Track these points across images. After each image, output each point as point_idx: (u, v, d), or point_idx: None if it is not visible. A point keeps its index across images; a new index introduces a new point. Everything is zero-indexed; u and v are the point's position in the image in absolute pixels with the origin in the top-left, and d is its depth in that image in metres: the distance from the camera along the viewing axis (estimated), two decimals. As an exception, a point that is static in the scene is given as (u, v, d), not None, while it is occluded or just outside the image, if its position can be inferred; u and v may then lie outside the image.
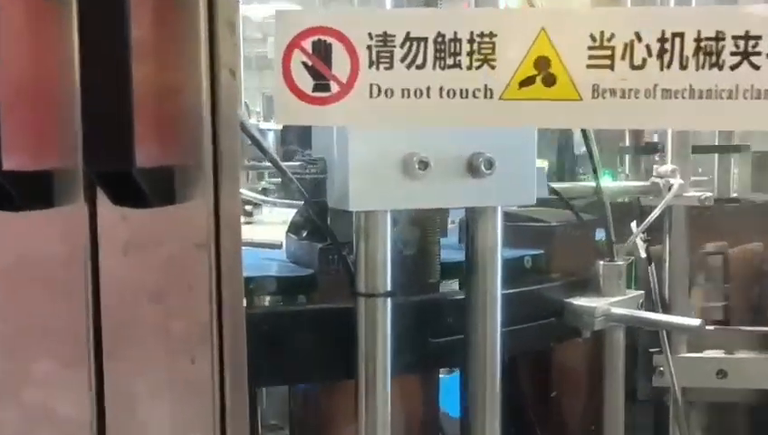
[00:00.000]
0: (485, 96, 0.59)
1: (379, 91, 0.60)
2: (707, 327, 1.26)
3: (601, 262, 1.17)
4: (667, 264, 1.38)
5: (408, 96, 0.60)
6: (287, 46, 0.61)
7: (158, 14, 0.59)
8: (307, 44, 0.61)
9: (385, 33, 0.60)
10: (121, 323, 0.63)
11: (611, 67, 0.58)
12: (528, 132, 0.92)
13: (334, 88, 0.61)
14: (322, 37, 0.60)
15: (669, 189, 1.21)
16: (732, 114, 0.58)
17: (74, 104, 0.59)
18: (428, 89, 0.60)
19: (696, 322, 1.01)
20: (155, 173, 0.57)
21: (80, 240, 0.62)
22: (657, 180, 1.21)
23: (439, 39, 0.59)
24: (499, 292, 0.95)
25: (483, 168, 0.88)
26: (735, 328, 1.34)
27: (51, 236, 0.62)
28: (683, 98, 0.57)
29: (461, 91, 0.60)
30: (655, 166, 1.24)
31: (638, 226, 1.27)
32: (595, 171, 1.17)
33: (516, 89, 0.59)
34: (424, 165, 0.85)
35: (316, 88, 0.61)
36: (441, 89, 0.60)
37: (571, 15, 0.58)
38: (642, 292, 1.20)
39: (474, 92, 0.59)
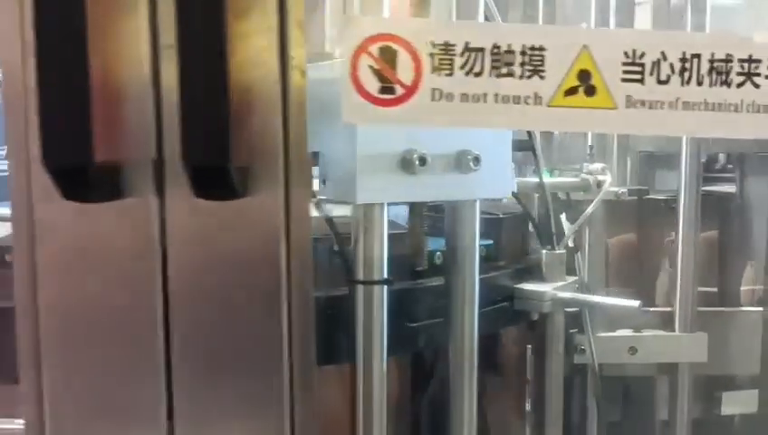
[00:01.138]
0: (535, 103, 0.67)
1: (441, 95, 0.66)
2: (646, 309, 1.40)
3: (544, 250, 1.28)
4: (586, 252, 1.52)
5: (467, 100, 0.66)
6: (356, 50, 0.66)
7: (234, 11, 0.61)
8: (374, 50, 0.66)
9: (446, 42, 0.66)
10: (190, 313, 0.65)
11: (642, 81, 0.67)
12: (506, 133, 1.01)
13: (399, 91, 0.66)
14: (389, 43, 0.66)
15: (598, 185, 1.34)
16: (737, 124, 0.68)
17: (148, 98, 0.61)
18: (485, 95, 0.67)
19: (635, 303, 1.13)
20: (243, 168, 0.60)
21: (150, 231, 0.63)
22: (587, 177, 1.34)
23: (495, 50, 0.66)
24: (477, 278, 1.03)
25: (471, 164, 0.96)
26: (645, 308, 1.49)
27: (122, 226, 0.63)
28: (699, 110, 0.68)
29: (513, 97, 0.67)
30: (585, 164, 1.37)
31: (566, 218, 1.40)
32: (538, 169, 1.27)
33: (562, 97, 0.67)
34: (422, 161, 0.92)
35: (382, 90, 0.66)
36: (496, 95, 0.67)
37: (609, 35, 0.67)
38: (577, 277, 1.32)
39: (525, 99, 0.67)
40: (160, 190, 0.63)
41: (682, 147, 1.50)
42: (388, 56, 0.66)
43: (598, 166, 1.35)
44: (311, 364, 0.67)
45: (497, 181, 1.01)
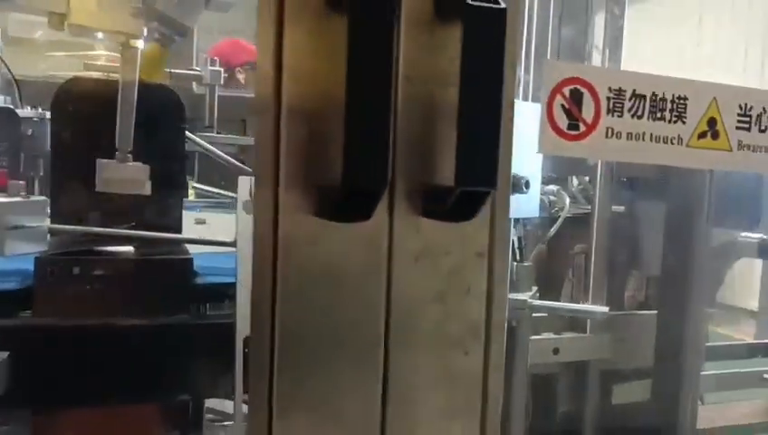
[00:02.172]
0: (678, 143, 0.81)
1: (612, 133, 0.78)
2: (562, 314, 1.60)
3: (515, 262, 1.43)
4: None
5: (630, 138, 0.79)
6: (552, 91, 0.75)
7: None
8: (566, 91, 0.76)
9: (620, 88, 0.78)
10: (408, 321, 0.69)
11: (749, 129, 0.84)
12: (539, 163, 1.14)
13: (582, 127, 0.77)
14: (578, 87, 0.76)
15: (550, 204, 1.52)
16: (807, 167, 0.87)
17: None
18: (644, 134, 0.79)
19: (603, 309, 1.32)
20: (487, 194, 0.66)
21: (381, 248, 0.67)
22: (543, 197, 1.51)
23: (653, 97, 0.79)
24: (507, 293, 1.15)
25: (524, 187, 1.07)
26: (571, 307, 1.69)
27: (358, 242, 0.66)
28: (784, 154, 0.86)
29: (663, 137, 0.80)
30: (542, 185, 1.54)
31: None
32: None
33: (696, 139, 0.82)
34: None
35: (569, 127, 0.76)
36: (651, 135, 0.80)
37: (731, 90, 0.83)
38: (536, 287, 1.49)
39: (671, 139, 0.80)
40: (391, 211, 0.68)
41: (597, 171, 1.73)
42: (577, 98, 0.76)
43: (553, 188, 1.52)
44: (500, 364, 0.74)
45: (531, 202, 1.14)
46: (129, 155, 0.95)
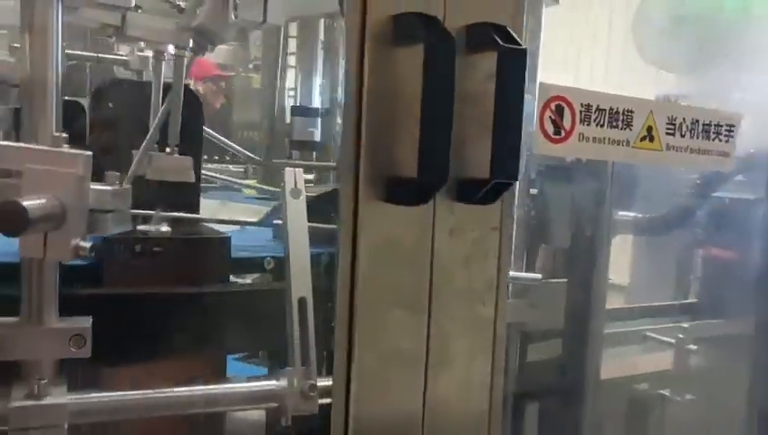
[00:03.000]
0: (626, 145, 1.08)
1: (583, 137, 1.04)
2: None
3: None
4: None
5: (595, 142, 1.05)
6: (543, 106, 1.00)
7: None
8: (553, 106, 1.00)
9: (589, 104, 1.03)
10: (445, 279, 0.92)
11: (674, 135, 1.12)
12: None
13: (563, 133, 1.02)
14: (561, 102, 1.01)
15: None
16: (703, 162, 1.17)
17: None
18: (604, 138, 1.06)
19: (537, 276, 1.59)
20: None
21: (427, 225, 0.89)
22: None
23: (611, 110, 1.05)
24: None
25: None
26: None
27: (412, 221, 0.88)
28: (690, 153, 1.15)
29: (617, 140, 1.07)
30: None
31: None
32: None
33: (639, 141, 1.09)
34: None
35: (554, 132, 1.01)
36: (609, 139, 1.06)
37: (662, 105, 1.11)
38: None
39: (622, 142, 1.07)
40: (434, 197, 0.90)
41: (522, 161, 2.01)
42: (560, 111, 1.01)
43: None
44: (504, 310, 0.98)
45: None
46: (176, 148, 1.11)
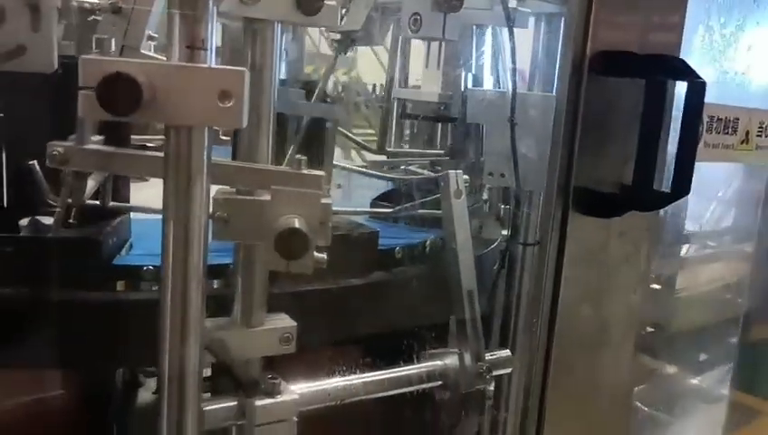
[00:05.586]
0: (731, 148, 1.25)
1: (707, 144, 1.20)
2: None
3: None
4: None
5: (715, 148, 1.21)
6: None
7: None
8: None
9: (712, 115, 1.19)
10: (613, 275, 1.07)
11: (763, 136, 1.30)
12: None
13: (694, 142, 1.17)
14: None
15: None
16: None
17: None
18: (719, 144, 1.22)
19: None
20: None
21: (609, 231, 1.03)
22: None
23: (727, 118, 1.22)
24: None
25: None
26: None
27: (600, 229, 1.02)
28: (774, 151, 1.34)
29: (727, 145, 1.24)
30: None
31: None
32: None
33: (739, 144, 1.26)
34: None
35: (690, 141, 1.16)
36: (723, 144, 1.23)
37: (758, 113, 1.29)
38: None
39: (729, 146, 1.24)
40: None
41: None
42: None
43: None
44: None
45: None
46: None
